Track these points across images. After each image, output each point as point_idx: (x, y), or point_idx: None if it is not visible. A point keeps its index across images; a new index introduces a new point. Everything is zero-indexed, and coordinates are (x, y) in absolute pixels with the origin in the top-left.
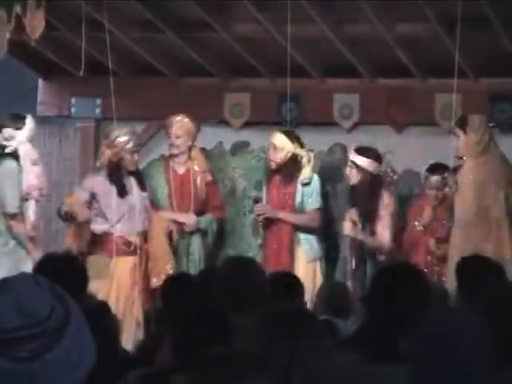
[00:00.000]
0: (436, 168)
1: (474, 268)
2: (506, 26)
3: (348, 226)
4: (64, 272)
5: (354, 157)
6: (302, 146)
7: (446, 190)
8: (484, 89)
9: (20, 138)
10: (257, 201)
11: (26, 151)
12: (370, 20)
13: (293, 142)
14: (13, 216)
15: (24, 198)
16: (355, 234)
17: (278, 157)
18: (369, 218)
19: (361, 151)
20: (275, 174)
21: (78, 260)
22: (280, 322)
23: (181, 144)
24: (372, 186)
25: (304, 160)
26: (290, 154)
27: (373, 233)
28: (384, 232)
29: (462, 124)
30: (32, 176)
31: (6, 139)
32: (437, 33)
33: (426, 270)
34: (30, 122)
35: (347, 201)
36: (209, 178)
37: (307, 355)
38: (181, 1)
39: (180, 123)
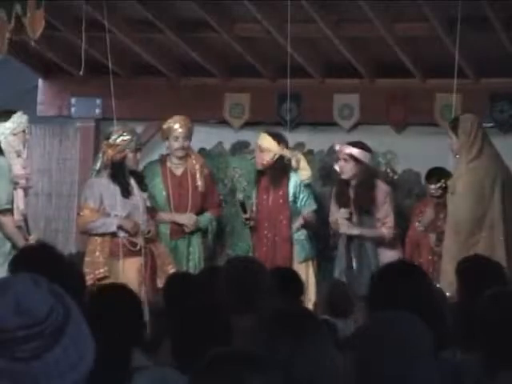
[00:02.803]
0: (432, 175)
1: (475, 268)
2: (506, 26)
3: (344, 224)
4: (38, 262)
5: (350, 149)
6: (287, 147)
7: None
8: (484, 89)
9: (2, 130)
10: (242, 204)
11: (9, 143)
12: (370, 20)
13: (279, 143)
14: (3, 212)
15: (13, 191)
16: (351, 231)
17: (265, 159)
18: (369, 209)
19: (353, 144)
20: (263, 176)
21: (54, 249)
22: (280, 322)
23: (187, 145)
24: (369, 177)
25: (293, 162)
26: (276, 156)
27: (376, 220)
28: (388, 218)
29: (455, 126)
30: (18, 166)
31: None
32: (437, 33)
33: (430, 269)
34: (18, 116)
35: (339, 195)
36: (206, 170)
37: (308, 355)
38: (181, 1)
39: (186, 126)
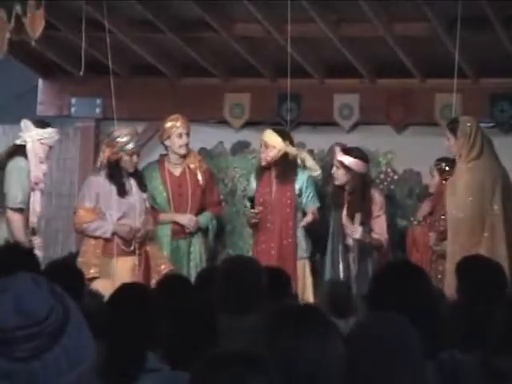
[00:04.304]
0: (443, 157)
1: (474, 268)
2: (506, 26)
3: (359, 230)
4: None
5: (341, 157)
6: (292, 144)
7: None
8: (484, 89)
9: (33, 133)
10: (251, 198)
11: (35, 148)
12: (370, 20)
13: (284, 140)
14: (14, 210)
15: (30, 193)
16: (365, 238)
17: (270, 155)
18: (364, 218)
19: (347, 151)
20: (265, 172)
21: (24, 248)
22: (282, 321)
23: (189, 142)
24: (363, 186)
25: (298, 160)
26: (281, 153)
27: (368, 229)
28: (382, 230)
29: (453, 128)
30: (38, 170)
31: (22, 130)
32: (437, 33)
33: (426, 266)
34: (52, 130)
35: (334, 197)
36: (205, 166)
37: (310, 354)
38: (181, 1)
39: (186, 123)
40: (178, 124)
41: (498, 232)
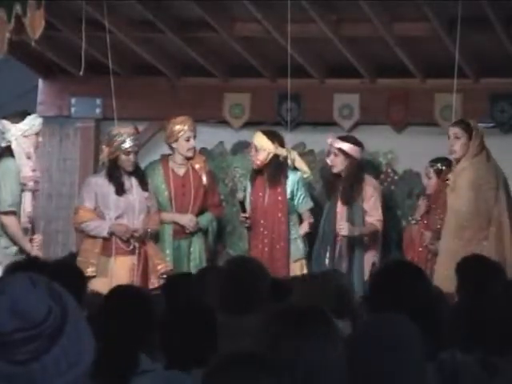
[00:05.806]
0: (438, 158)
1: (474, 268)
2: (506, 26)
3: (346, 226)
4: None
5: (340, 144)
6: (282, 145)
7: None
8: (484, 89)
9: (14, 131)
10: (242, 202)
11: (20, 144)
12: (370, 20)
13: (273, 142)
14: (6, 214)
15: (20, 193)
16: (353, 232)
17: (260, 158)
18: (356, 202)
19: (344, 138)
20: (259, 175)
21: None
22: (283, 321)
23: (195, 144)
24: (359, 171)
25: (288, 161)
26: (271, 155)
27: (363, 212)
28: (376, 212)
29: (468, 129)
30: (27, 168)
31: (2, 132)
32: (437, 33)
33: (423, 267)
34: (31, 118)
35: (328, 187)
36: (208, 167)
37: (310, 354)
38: (181, 1)
39: (193, 125)
40: (186, 128)
41: (505, 226)
